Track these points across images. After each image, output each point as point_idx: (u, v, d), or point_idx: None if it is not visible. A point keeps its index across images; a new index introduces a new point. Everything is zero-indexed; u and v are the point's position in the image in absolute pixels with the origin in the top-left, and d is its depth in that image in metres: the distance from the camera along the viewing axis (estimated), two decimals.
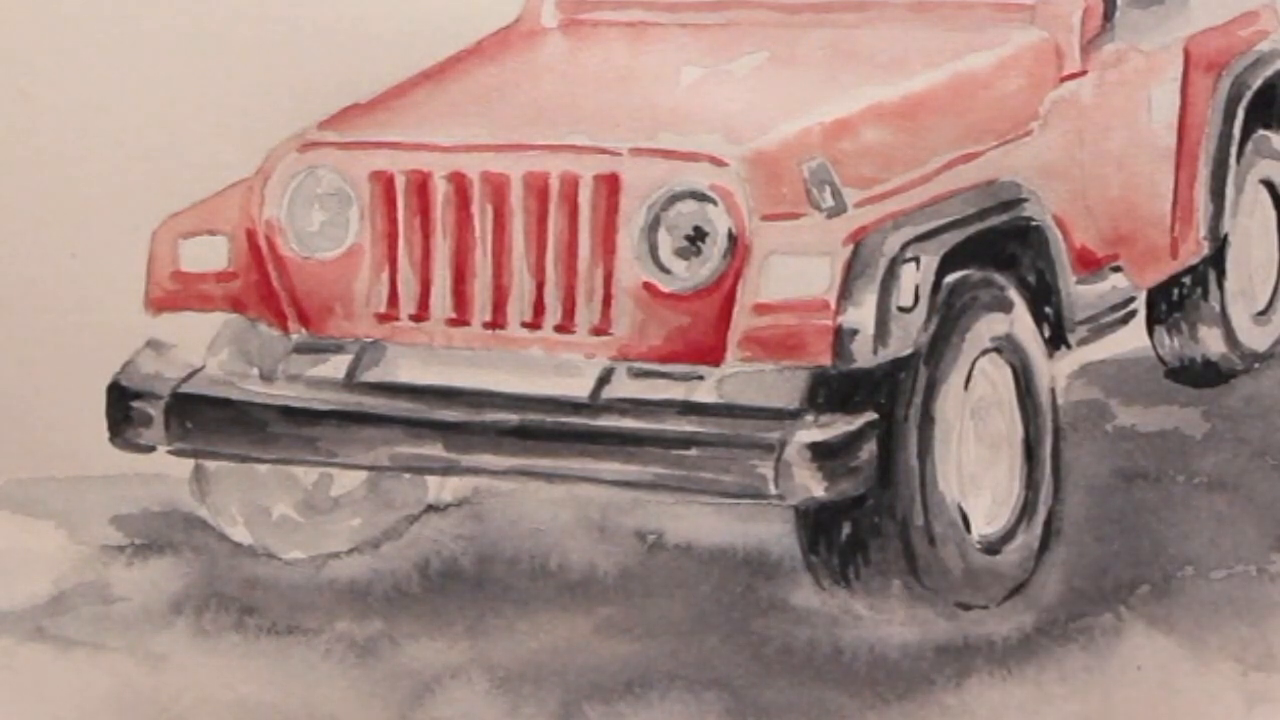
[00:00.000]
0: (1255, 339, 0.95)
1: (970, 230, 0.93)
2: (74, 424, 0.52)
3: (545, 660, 0.52)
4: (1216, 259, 0.92)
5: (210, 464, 0.59)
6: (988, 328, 0.95)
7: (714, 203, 0.88)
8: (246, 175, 0.55)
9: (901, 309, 0.87)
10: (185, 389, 0.59)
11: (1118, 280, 1.01)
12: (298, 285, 0.60)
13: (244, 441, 0.58)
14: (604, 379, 0.85)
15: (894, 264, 0.87)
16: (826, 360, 0.77)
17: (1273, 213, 0.94)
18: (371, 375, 0.60)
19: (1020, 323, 0.97)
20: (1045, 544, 0.97)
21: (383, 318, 0.60)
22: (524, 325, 0.68)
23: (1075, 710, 0.61)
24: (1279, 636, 0.54)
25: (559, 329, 0.73)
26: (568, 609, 0.52)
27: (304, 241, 0.64)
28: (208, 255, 0.57)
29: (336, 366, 0.60)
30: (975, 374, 0.94)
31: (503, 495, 0.53)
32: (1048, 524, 0.97)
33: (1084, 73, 0.69)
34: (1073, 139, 0.70)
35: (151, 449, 0.57)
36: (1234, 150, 0.77)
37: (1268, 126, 0.85)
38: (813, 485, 0.86)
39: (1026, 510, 0.98)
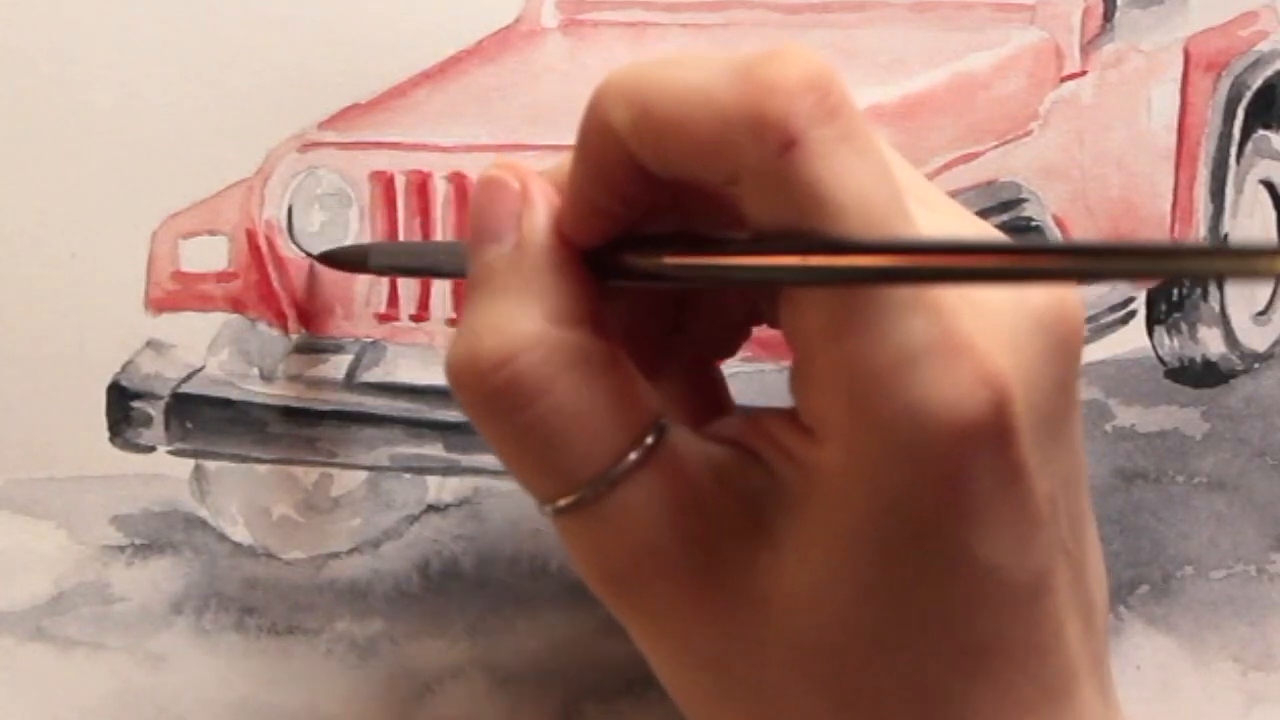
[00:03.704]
0: (1255, 339, 0.95)
1: None
2: (74, 424, 0.52)
3: (545, 660, 0.52)
4: None
5: (210, 464, 0.59)
6: None
7: None
8: (246, 175, 0.55)
9: None
10: (185, 389, 0.59)
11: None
12: (298, 285, 0.60)
13: (244, 441, 0.58)
14: None
15: None
16: None
17: (1273, 213, 0.94)
18: (371, 375, 0.60)
19: None
20: None
21: (383, 318, 0.61)
22: None
23: None
24: (1279, 636, 0.54)
25: None
26: (568, 609, 0.52)
27: (304, 241, 0.65)
28: (208, 255, 0.57)
29: (336, 366, 0.60)
30: None
31: (503, 495, 0.53)
32: None
33: (1084, 73, 0.69)
34: (1073, 139, 0.70)
35: (151, 449, 0.57)
36: (1234, 150, 0.78)
37: (1268, 126, 0.86)
38: None
39: None
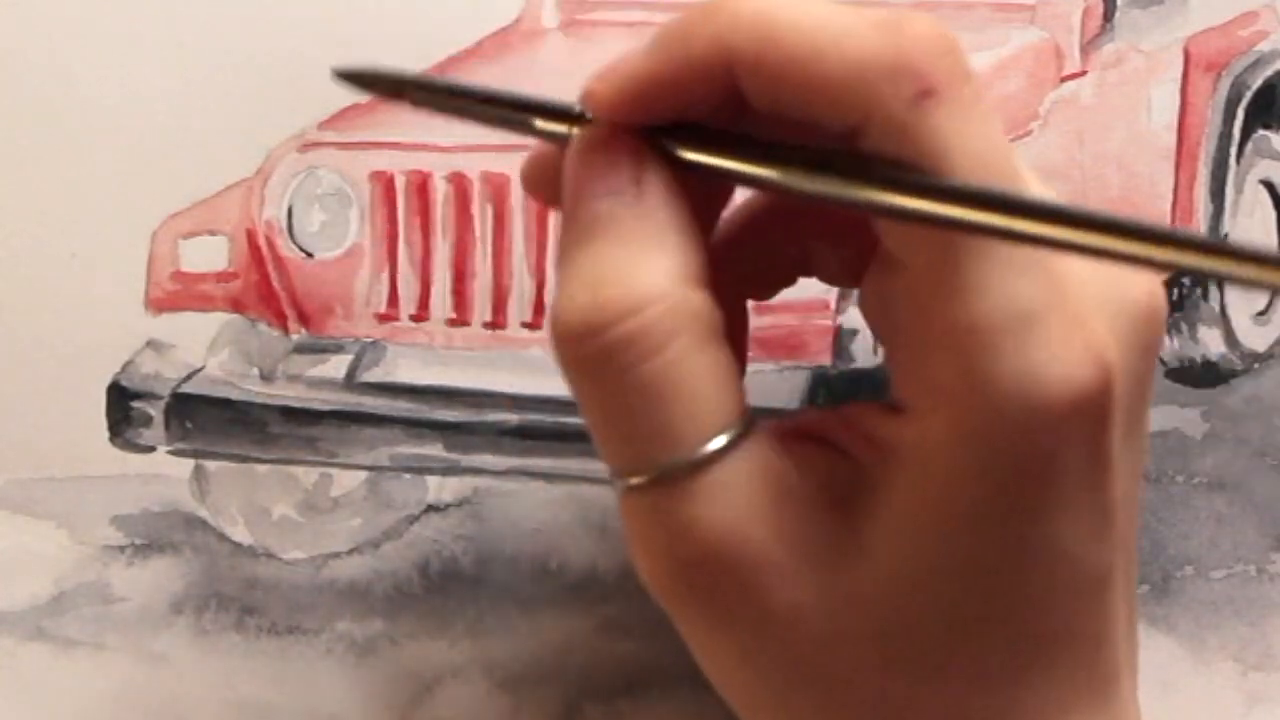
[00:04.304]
0: (1255, 339, 0.95)
1: None
2: (74, 424, 0.52)
3: (545, 660, 0.52)
4: None
5: (210, 464, 0.59)
6: None
7: None
8: (246, 175, 0.55)
9: None
10: (185, 389, 0.59)
11: None
12: (298, 285, 0.60)
13: (244, 441, 0.58)
14: None
15: None
16: (826, 360, 0.76)
17: (1273, 213, 0.94)
18: (371, 375, 0.60)
19: None
20: None
21: (383, 318, 0.61)
22: (524, 325, 0.68)
23: None
24: (1279, 636, 0.54)
25: None
26: (568, 609, 0.52)
27: (304, 241, 0.65)
28: (208, 255, 0.57)
29: (336, 366, 0.60)
30: None
31: (503, 495, 0.53)
32: None
33: (1084, 73, 0.69)
34: (1073, 139, 0.71)
35: (151, 449, 0.57)
36: (1234, 150, 0.78)
37: (1268, 126, 0.86)
38: None
39: None
